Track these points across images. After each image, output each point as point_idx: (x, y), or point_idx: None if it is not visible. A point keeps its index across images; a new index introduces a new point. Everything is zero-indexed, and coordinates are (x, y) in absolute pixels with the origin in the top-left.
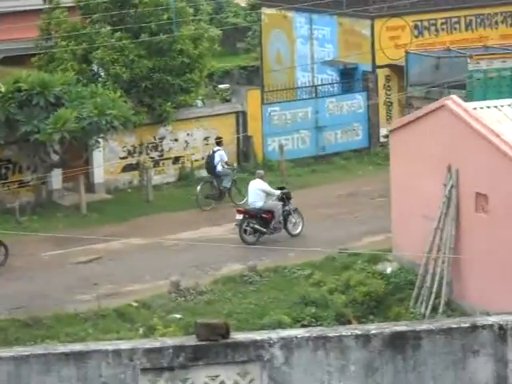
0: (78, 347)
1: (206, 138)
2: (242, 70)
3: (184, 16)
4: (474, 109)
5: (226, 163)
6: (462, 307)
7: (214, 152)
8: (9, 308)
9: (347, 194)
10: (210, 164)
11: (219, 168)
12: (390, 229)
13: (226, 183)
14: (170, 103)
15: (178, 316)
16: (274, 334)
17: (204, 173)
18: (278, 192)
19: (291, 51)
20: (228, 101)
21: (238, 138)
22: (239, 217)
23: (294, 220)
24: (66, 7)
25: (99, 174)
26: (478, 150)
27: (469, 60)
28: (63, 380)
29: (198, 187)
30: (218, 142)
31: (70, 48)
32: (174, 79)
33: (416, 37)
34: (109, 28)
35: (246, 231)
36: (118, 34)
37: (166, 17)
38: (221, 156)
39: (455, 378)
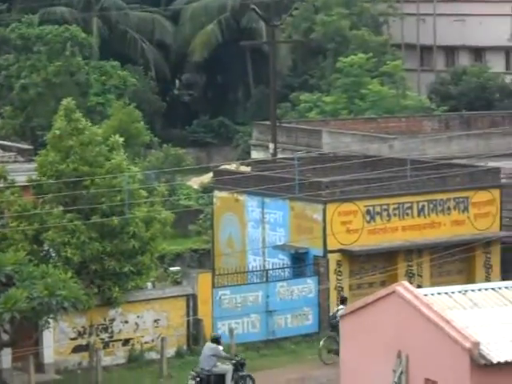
0: None
1: (156, 321)
2: (193, 253)
3: (137, 198)
4: (425, 295)
5: None
6: None
7: (337, 310)
8: None
9: (296, 378)
10: (333, 321)
11: None
12: None
13: None
14: (118, 288)
15: None
16: None
17: (153, 355)
18: None
19: (243, 234)
20: (179, 283)
21: (188, 321)
22: None
23: None
24: (18, 186)
25: (49, 355)
26: (428, 336)
27: None
28: None
29: (322, 342)
30: (343, 301)
31: (21, 228)
32: (124, 264)
33: (368, 222)
34: (60, 209)
35: None
36: (69, 216)
37: (119, 198)
38: None
39: None
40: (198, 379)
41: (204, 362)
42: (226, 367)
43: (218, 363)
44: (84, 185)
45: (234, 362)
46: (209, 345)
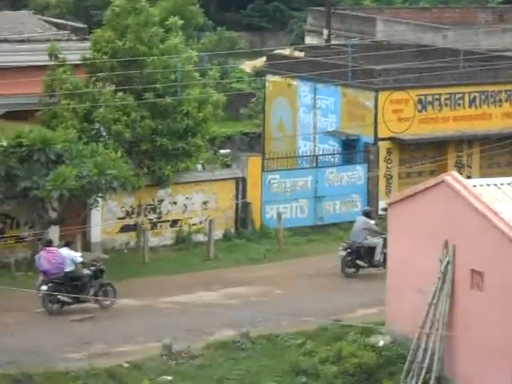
0: None
1: (204, 203)
2: (243, 136)
3: (190, 79)
4: (474, 186)
5: None
6: None
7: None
8: (0, 362)
9: None
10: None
11: None
12: (384, 301)
13: None
14: (170, 167)
15: (169, 378)
16: None
17: (201, 237)
18: None
19: (294, 119)
20: (228, 166)
21: (236, 205)
22: None
23: None
24: (71, 65)
25: (96, 234)
26: (476, 228)
27: None
28: None
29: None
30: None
31: (71, 106)
32: (176, 143)
33: (419, 111)
34: (113, 87)
35: None
36: (120, 94)
37: (173, 77)
38: None
39: None
40: (348, 250)
41: (356, 234)
42: (377, 241)
43: (369, 236)
44: (138, 64)
45: (384, 236)
46: (361, 218)
